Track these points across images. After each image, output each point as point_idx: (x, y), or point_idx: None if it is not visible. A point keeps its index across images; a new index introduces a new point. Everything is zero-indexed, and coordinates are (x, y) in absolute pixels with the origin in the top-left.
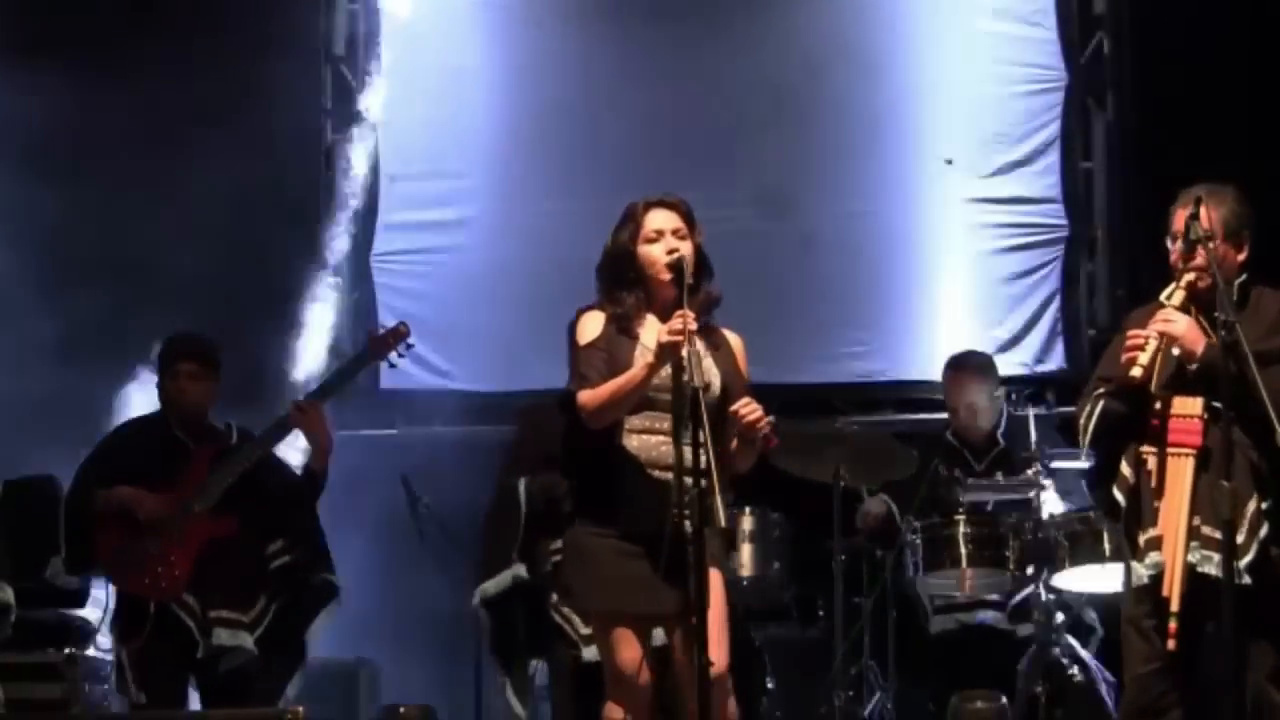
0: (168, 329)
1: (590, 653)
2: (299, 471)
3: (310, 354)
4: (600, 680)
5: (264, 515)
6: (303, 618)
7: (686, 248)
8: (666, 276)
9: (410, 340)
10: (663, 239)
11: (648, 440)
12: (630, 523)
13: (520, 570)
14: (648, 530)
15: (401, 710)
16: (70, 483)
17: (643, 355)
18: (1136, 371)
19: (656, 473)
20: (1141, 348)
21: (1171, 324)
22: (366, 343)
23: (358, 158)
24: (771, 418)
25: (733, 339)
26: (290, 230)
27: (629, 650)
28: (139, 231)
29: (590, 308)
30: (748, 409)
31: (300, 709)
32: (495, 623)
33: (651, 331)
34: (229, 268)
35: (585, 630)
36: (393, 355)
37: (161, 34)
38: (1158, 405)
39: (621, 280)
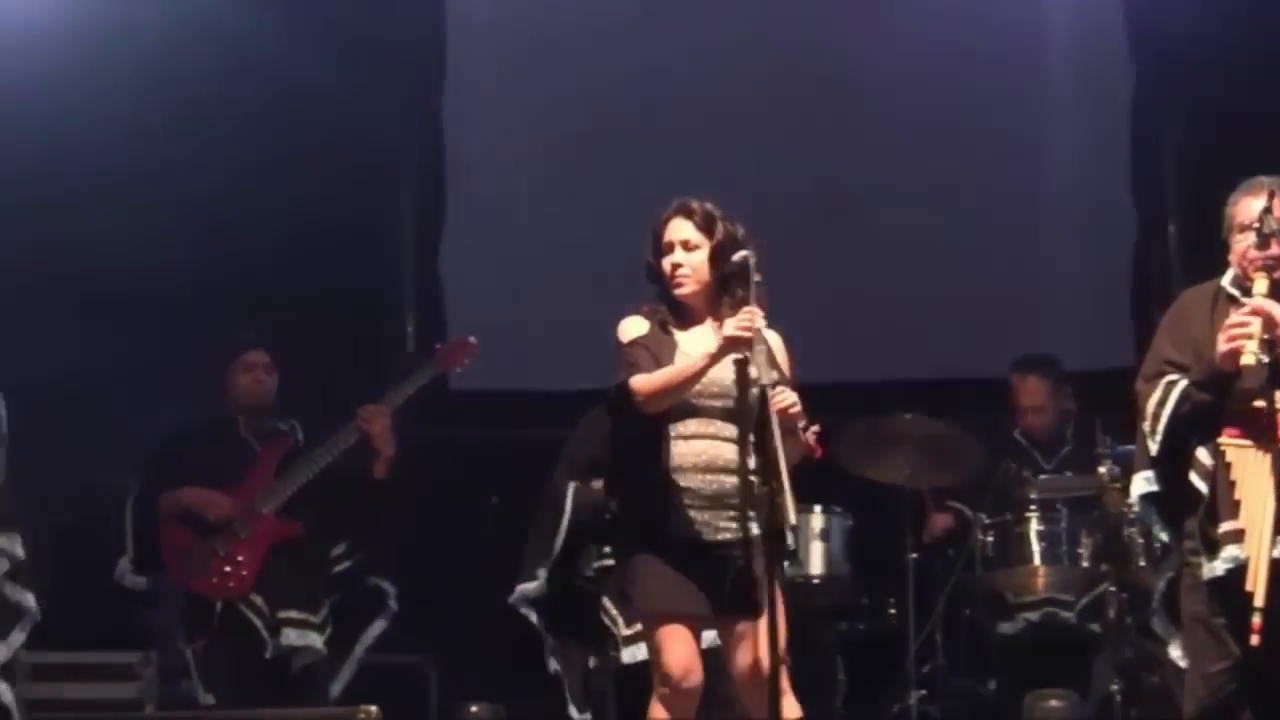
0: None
1: (629, 655)
2: (362, 476)
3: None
4: (641, 682)
5: (329, 519)
6: (355, 623)
7: (695, 258)
8: (680, 290)
9: (476, 353)
10: (673, 250)
11: (697, 444)
12: (681, 526)
13: (543, 575)
14: (698, 533)
15: (472, 710)
16: (136, 483)
17: (682, 359)
18: (1249, 359)
19: (708, 476)
20: (1248, 335)
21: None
22: (433, 354)
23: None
24: (816, 426)
25: (772, 336)
26: (359, 232)
27: (679, 652)
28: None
29: (632, 311)
30: (782, 395)
31: (373, 708)
32: (544, 623)
33: (690, 337)
34: (303, 271)
35: (628, 632)
36: (459, 367)
37: None
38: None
39: (658, 288)
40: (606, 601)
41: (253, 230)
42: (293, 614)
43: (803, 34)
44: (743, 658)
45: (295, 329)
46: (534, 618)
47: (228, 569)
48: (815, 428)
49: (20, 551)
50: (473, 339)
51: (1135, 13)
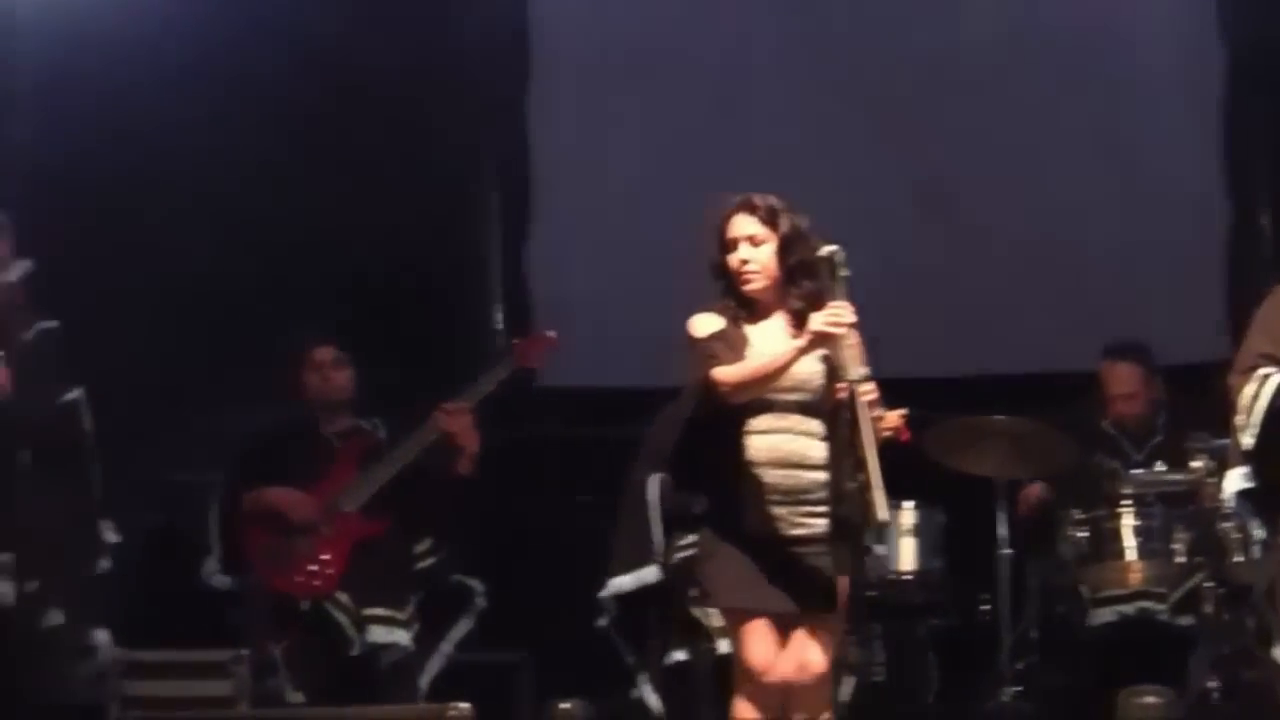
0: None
1: (726, 645)
2: (446, 473)
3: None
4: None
5: (412, 516)
6: (441, 620)
7: (762, 253)
8: (749, 286)
9: (556, 348)
10: (738, 247)
11: (772, 439)
12: (759, 521)
13: (654, 570)
14: (776, 528)
15: (565, 707)
16: (219, 484)
17: (754, 354)
18: None
19: (784, 471)
20: None
21: None
22: (512, 349)
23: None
24: (904, 410)
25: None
26: (446, 230)
27: (761, 648)
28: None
29: (701, 308)
30: (869, 390)
31: (465, 705)
32: (630, 617)
33: (760, 331)
34: (388, 269)
35: (720, 623)
36: (538, 362)
37: None
38: None
39: (724, 285)
40: (695, 592)
41: (338, 228)
42: (379, 611)
43: (893, 27)
44: (798, 652)
45: (381, 327)
46: (620, 611)
47: (313, 568)
48: (903, 411)
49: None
50: (552, 333)
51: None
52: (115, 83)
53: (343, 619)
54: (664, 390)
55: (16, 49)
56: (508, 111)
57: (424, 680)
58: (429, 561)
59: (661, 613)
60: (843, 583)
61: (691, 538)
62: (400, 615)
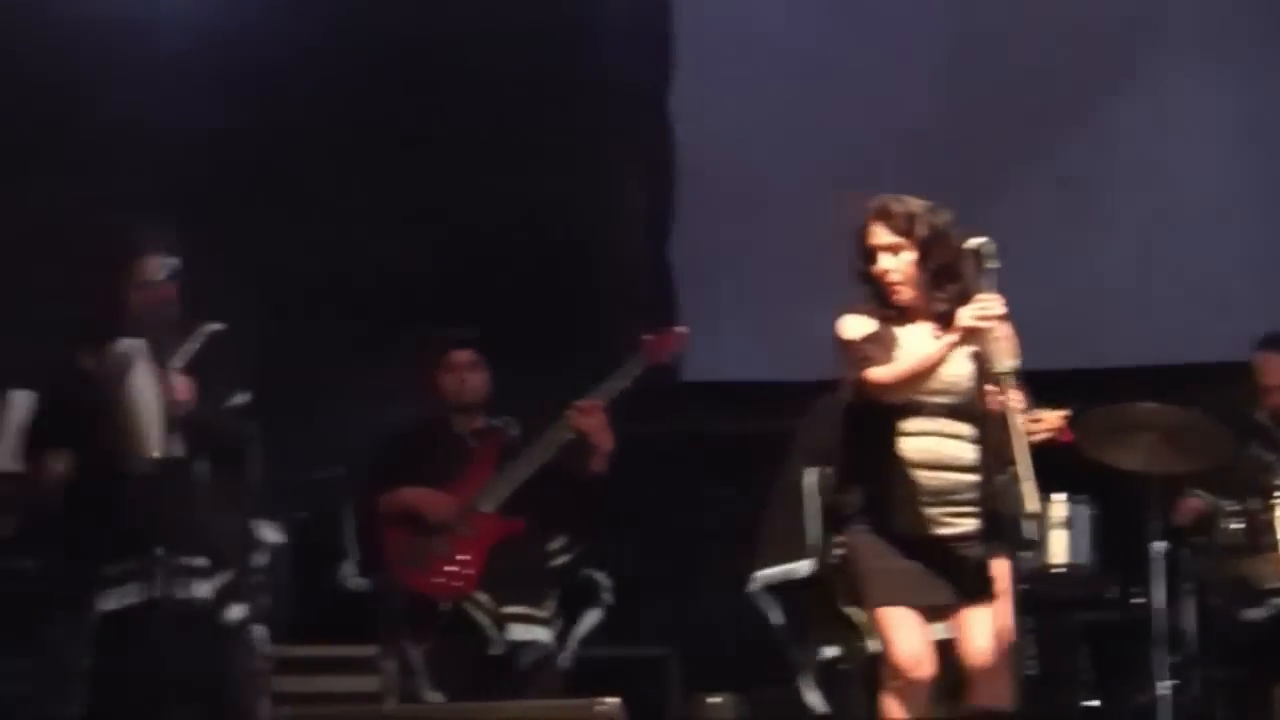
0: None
1: (874, 644)
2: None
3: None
4: None
5: (546, 514)
6: (571, 616)
7: (902, 261)
8: (895, 297)
9: (686, 344)
10: (879, 258)
11: (922, 441)
12: (910, 521)
13: (806, 564)
14: (927, 528)
15: (713, 701)
16: (354, 485)
17: (904, 355)
18: None
19: (935, 472)
20: None
21: None
22: (641, 345)
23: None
24: (1067, 411)
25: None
26: (588, 222)
27: (908, 644)
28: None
29: (851, 309)
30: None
31: (613, 700)
32: (785, 611)
33: (909, 334)
34: (529, 263)
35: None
36: (669, 358)
37: None
38: None
39: (871, 290)
40: (845, 589)
41: (476, 225)
42: (518, 609)
43: (1028, 16)
44: (969, 648)
45: (521, 322)
46: (772, 606)
47: (451, 568)
48: (1065, 412)
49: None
50: (682, 329)
51: None
52: (247, 85)
53: (483, 619)
54: (806, 384)
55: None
56: (651, 105)
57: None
58: (563, 559)
59: (816, 609)
60: (1000, 569)
61: (847, 533)
62: (540, 613)
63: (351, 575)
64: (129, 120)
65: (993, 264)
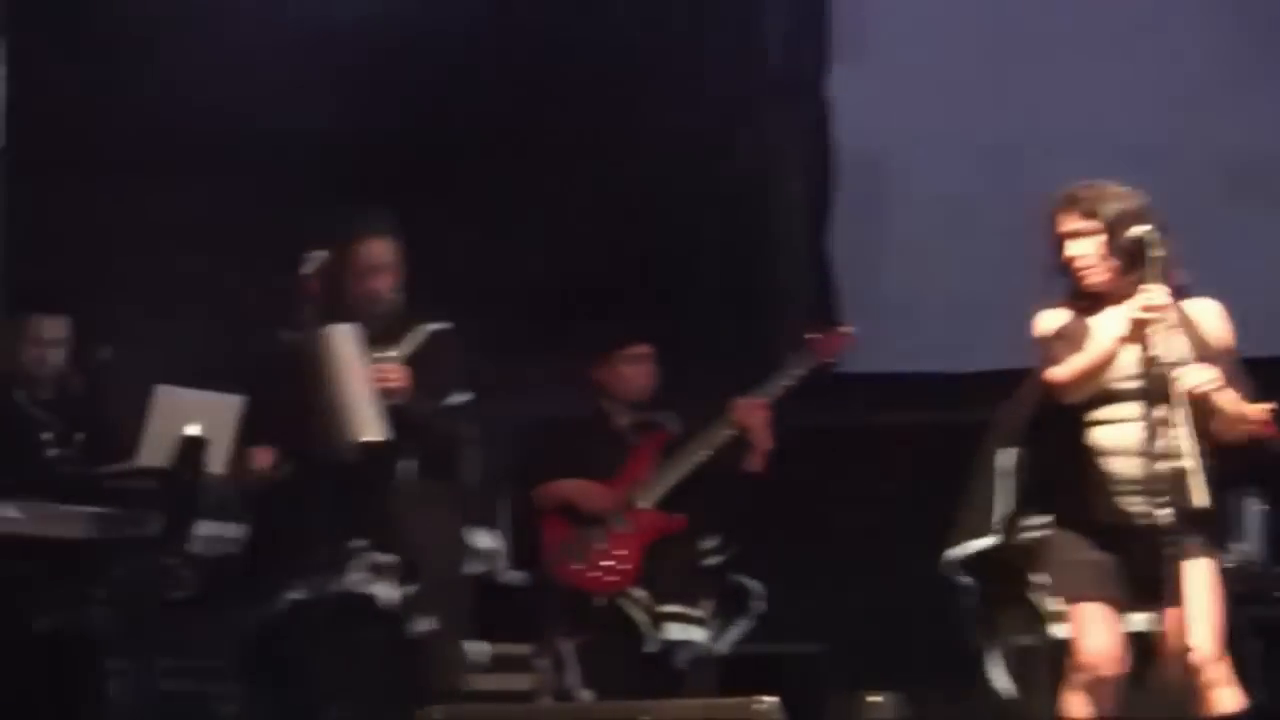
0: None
1: (1062, 630)
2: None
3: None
4: None
5: (702, 513)
6: (720, 620)
7: (1090, 246)
8: (1085, 283)
9: (853, 344)
10: (1067, 245)
11: (1114, 429)
12: (1105, 510)
13: (988, 540)
14: (1124, 517)
15: (871, 700)
16: (511, 477)
17: (1079, 356)
18: None
19: (1129, 459)
20: None
21: None
22: (807, 344)
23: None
24: (1274, 405)
25: (1196, 308)
26: (745, 215)
27: (1097, 637)
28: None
29: (1048, 304)
30: (1188, 375)
31: (770, 699)
32: (975, 593)
33: (1102, 321)
34: (685, 257)
35: (1056, 608)
36: (835, 357)
37: None
38: None
39: (1068, 281)
40: (1034, 577)
41: (634, 216)
42: (675, 608)
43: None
44: (1175, 644)
45: (678, 317)
46: (963, 586)
47: (608, 563)
48: (1271, 405)
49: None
50: (848, 329)
51: None
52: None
53: (639, 616)
54: (966, 376)
55: None
56: (808, 92)
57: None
58: (716, 559)
59: (1002, 591)
60: (1198, 568)
61: (1038, 519)
62: (696, 613)
63: (505, 569)
64: (296, 120)
65: (1157, 252)
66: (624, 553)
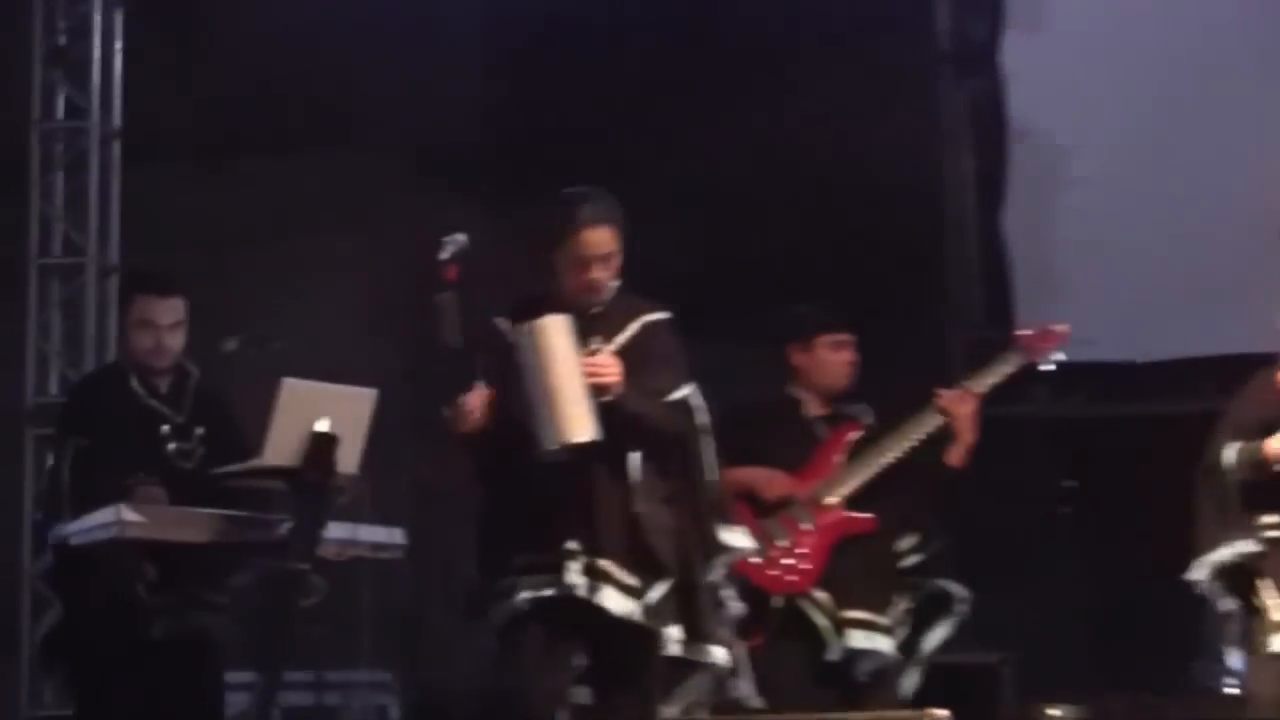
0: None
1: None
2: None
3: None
4: None
5: (896, 510)
6: (920, 625)
7: None
8: None
9: (1067, 342)
10: None
11: None
12: None
13: (1243, 546)
14: None
15: (1053, 713)
16: None
17: None
18: None
19: None
20: None
21: None
22: (1016, 341)
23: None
24: None
25: None
26: (916, 195)
27: None
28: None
29: None
30: None
31: (943, 713)
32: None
33: None
34: (855, 240)
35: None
36: (1047, 358)
37: None
38: None
39: None
40: (1261, 583)
41: (801, 197)
42: (860, 614)
43: None
44: None
45: (848, 304)
46: (1219, 595)
47: (789, 561)
48: None
49: None
50: (1063, 327)
51: None
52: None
53: (821, 620)
54: (1164, 364)
55: None
56: (981, 63)
57: (903, 691)
58: (913, 560)
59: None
60: None
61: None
62: (883, 620)
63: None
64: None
65: None
66: (807, 551)
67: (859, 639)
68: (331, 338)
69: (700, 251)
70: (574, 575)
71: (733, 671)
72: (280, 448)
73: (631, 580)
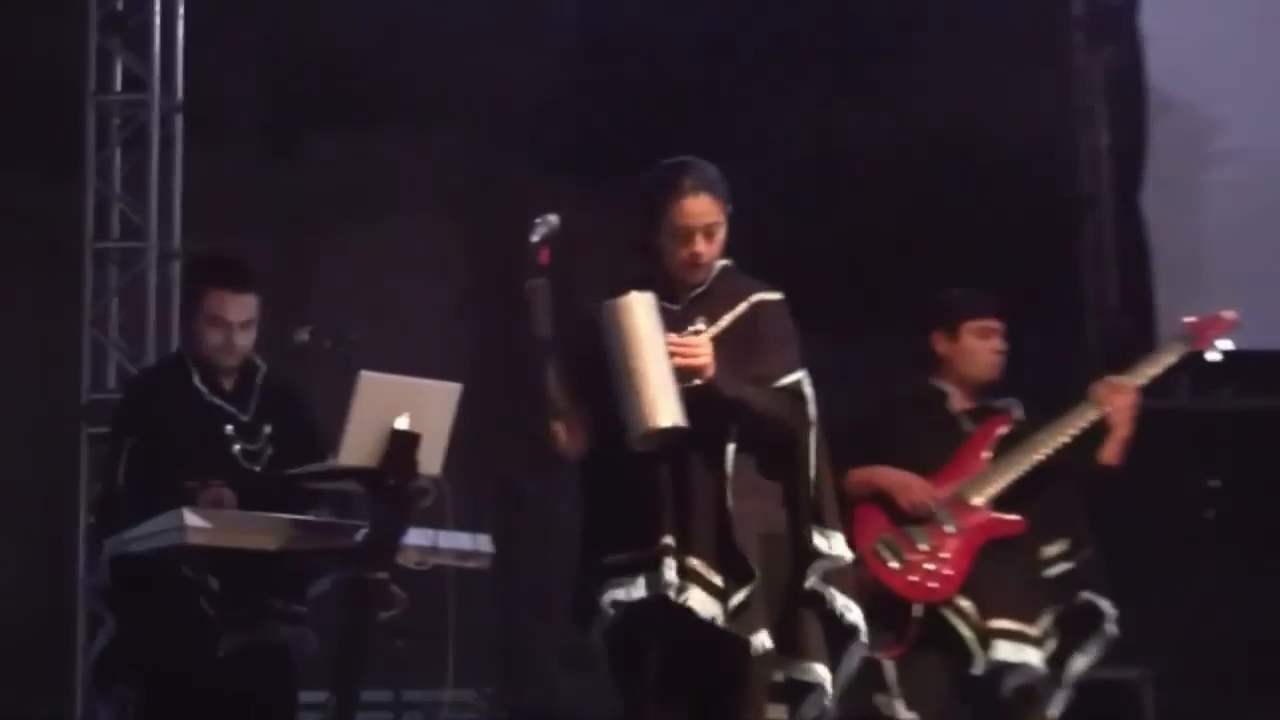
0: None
1: None
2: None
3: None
4: None
5: (1043, 512)
6: (1066, 640)
7: None
8: None
9: (1235, 328)
10: None
11: None
12: None
13: None
14: None
15: None
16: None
17: None
18: None
19: None
20: None
21: None
22: (1183, 328)
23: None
24: None
25: None
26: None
27: None
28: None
29: None
30: None
31: None
32: None
33: None
34: (981, 222)
35: None
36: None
37: None
38: None
39: None
40: None
41: (924, 175)
42: (1007, 624)
43: None
44: None
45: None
46: None
47: (930, 566)
48: None
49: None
50: (1231, 313)
51: None
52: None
53: (965, 630)
54: None
55: None
56: (1118, 26)
57: (1052, 710)
58: (1062, 568)
59: None
60: None
61: None
62: (1032, 631)
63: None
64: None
65: None
66: (949, 556)
67: (1007, 651)
68: (412, 327)
69: (815, 233)
70: (670, 573)
71: (883, 685)
72: (357, 447)
73: (717, 580)
